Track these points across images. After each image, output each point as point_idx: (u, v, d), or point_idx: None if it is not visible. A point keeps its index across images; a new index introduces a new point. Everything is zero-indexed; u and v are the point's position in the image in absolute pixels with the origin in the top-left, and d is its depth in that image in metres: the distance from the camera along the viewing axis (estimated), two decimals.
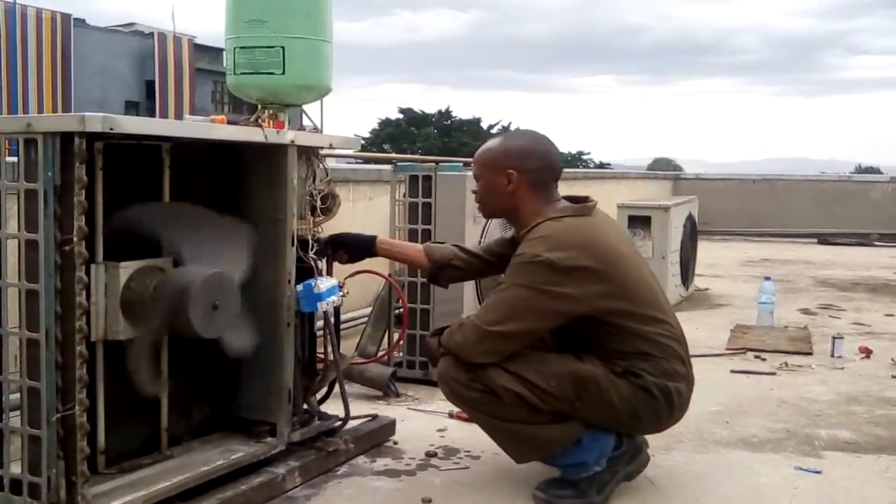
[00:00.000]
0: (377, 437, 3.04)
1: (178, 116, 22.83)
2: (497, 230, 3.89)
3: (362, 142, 3.10)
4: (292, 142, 2.59)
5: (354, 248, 2.90)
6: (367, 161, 7.43)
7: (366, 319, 4.07)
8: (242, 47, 2.64)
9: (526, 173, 2.55)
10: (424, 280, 3.39)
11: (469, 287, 3.78)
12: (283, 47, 2.61)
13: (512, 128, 38.33)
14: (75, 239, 2.01)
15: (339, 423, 2.87)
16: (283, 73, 2.63)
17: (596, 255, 2.42)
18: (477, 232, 3.84)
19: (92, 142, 2.12)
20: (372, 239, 2.92)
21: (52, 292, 2.01)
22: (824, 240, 12.16)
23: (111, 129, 1.99)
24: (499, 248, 2.84)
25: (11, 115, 3.77)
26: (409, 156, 7.66)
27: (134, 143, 2.29)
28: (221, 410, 2.71)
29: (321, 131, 2.84)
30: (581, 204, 2.58)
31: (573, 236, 2.44)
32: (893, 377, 4.19)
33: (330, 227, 2.86)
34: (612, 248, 2.48)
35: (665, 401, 2.49)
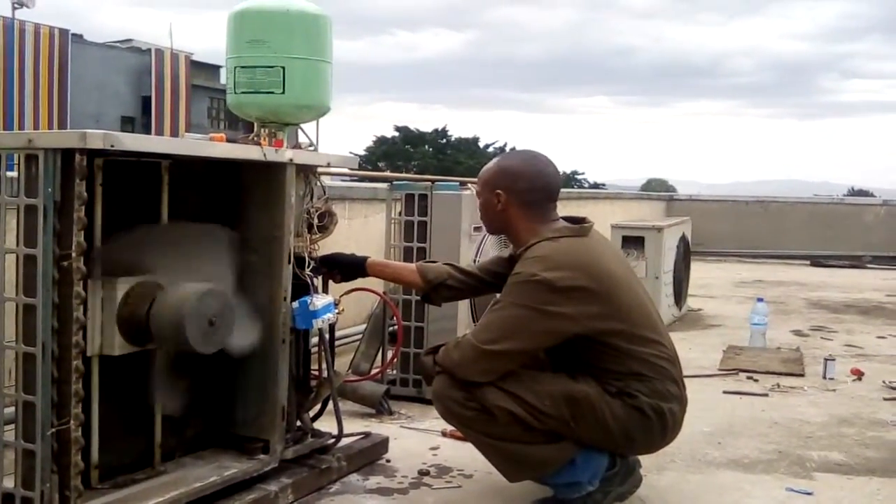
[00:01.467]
0: (370, 455, 3.04)
1: (174, 132, 22.89)
2: (492, 249, 3.91)
3: (359, 161, 3.13)
4: (291, 160, 2.61)
5: (347, 268, 2.92)
6: (364, 179, 7.45)
7: (360, 336, 4.08)
8: (243, 66, 2.67)
9: (515, 193, 2.58)
10: (419, 298, 3.40)
11: (463, 305, 3.80)
12: (283, 67, 2.64)
13: (508, 147, 38.46)
14: (74, 254, 2.02)
15: (332, 440, 2.87)
16: (283, 92, 2.65)
17: (592, 276, 2.43)
18: (472, 250, 3.86)
19: (92, 158, 2.13)
20: (364, 259, 2.94)
21: (49, 307, 2.02)
22: (817, 262, 12.21)
23: (112, 145, 2.01)
24: (494, 266, 2.85)
25: (12, 131, 3.79)
26: (405, 174, 7.69)
27: (133, 160, 2.31)
28: (215, 427, 2.71)
29: (317, 149, 2.87)
30: (578, 225, 2.60)
31: (570, 257, 2.46)
32: (885, 399, 4.20)
33: (326, 245, 2.88)
34: (608, 269, 2.50)
35: (659, 421, 2.50)
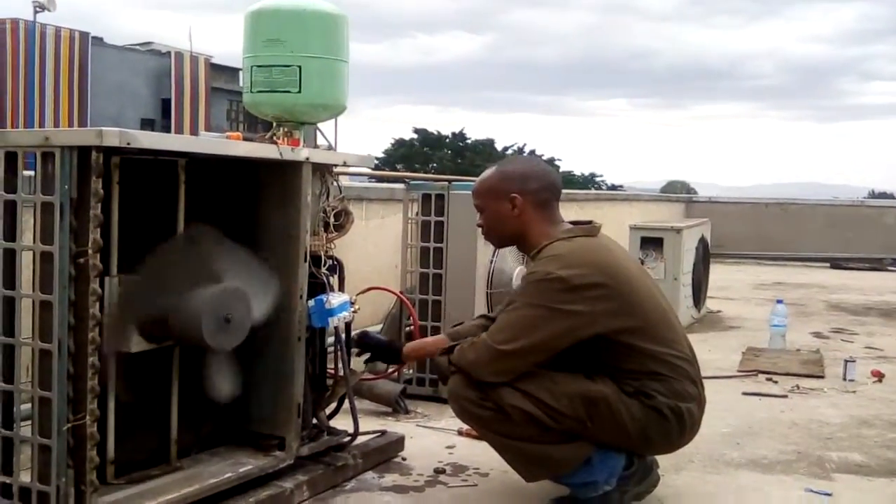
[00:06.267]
0: (386, 453, 3.04)
1: (194, 134, 22.98)
2: (510, 251, 3.89)
3: (376, 161, 3.13)
4: (307, 159, 2.61)
5: (383, 353, 2.91)
6: (381, 179, 7.45)
7: None
8: (260, 66, 2.69)
9: (529, 194, 2.57)
10: (434, 298, 3.38)
11: (479, 304, 3.79)
12: (299, 66, 2.65)
13: (526, 150, 38.35)
14: (90, 251, 2.03)
15: (347, 438, 2.87)
16: (300, 91, 2.66)
17: (608, 273, 2.42)
18: (489, 252, 3.84)
19: (109, 156, 2.15)
20: (399, 348, 2.89)
21: (65, 303, 2.03)
22: (837, 264, 12.10)
23: (128, 143, 2.02)
24: None
25: (29, 129, 3.82)
26: (422, 174, 7.68)
27: (150, 159, 2.32)
28: (231, 423, 2.72)
29: (335, 148, 2.87)
30: (588, 225, 2.59)
31: (585, 255, 2.45)
32: None
33: (342, 244, 2.88)
34: (623, 267, 2.49)
35: (677, 421, 2.48)
